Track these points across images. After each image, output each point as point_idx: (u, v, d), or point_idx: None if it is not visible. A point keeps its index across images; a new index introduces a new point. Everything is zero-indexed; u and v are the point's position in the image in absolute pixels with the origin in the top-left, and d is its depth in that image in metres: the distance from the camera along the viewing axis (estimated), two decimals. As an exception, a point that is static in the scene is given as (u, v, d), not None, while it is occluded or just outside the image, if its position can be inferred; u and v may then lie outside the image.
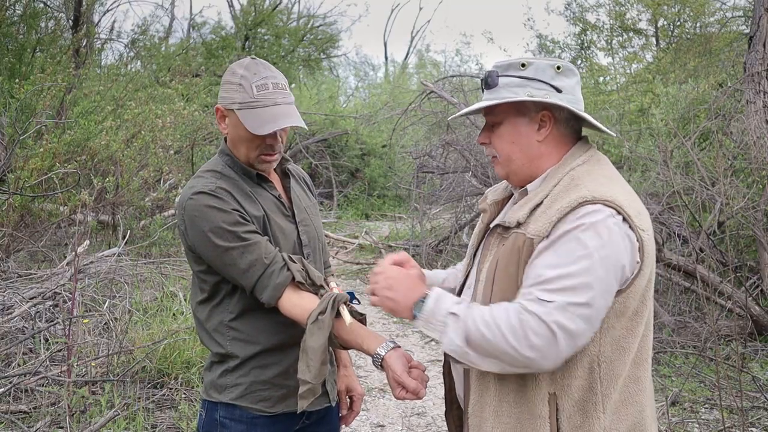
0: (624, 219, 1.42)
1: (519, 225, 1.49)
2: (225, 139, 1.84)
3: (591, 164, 1.54)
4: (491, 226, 1.64)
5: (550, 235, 1.42)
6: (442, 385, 1.77)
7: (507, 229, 1.52)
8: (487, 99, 1.57)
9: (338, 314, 1.66)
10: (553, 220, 1.42)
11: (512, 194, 1.73)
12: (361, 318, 1.70)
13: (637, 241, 1.43)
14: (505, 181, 1.73)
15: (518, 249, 1.45)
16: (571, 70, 1.56)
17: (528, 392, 1.45)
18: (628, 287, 1.43)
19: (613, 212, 1.41)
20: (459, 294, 1.70)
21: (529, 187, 1.57)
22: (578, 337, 1.36)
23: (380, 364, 1.59)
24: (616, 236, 1.39)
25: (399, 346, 1.62)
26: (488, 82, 1.56)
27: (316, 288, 1.72)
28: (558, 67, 1.53)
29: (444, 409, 1.76)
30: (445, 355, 1.75)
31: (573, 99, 1.54)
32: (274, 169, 1.91)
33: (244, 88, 1.70)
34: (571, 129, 1.58)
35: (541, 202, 1.49)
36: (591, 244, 1.37)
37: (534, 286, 1.38)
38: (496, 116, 1.58)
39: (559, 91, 1.52)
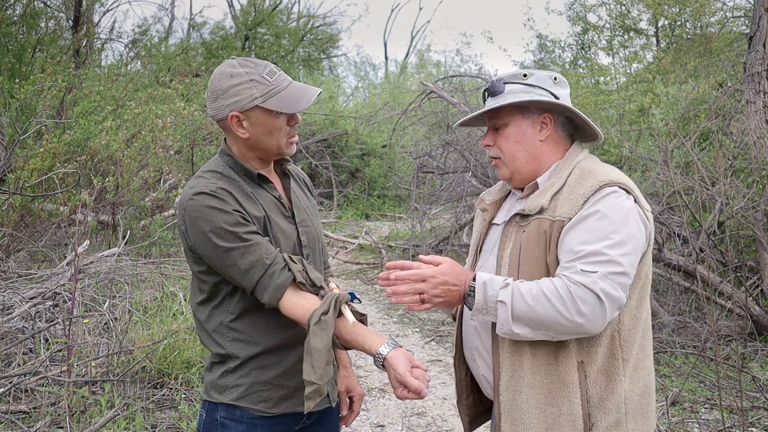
0: (634, 199, 1.63)
1: (542, 211, 1.64)
2: (225, 139, 1.84)
3: (590, 159, 1.76)
4: (493, 222, 1.83)
5: (577, 215, 1.58)
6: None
7: (525, 217, 1.68)
8: (493, 104, 1.73)
9: (340, 314, 1.66)
10: (579, 203, 1.60)
11: (508, 194, 1.89)
12: (362, 318, 1.70)
13: (644, 217, 1.63)
14: (500, 183, 1.92)
15: (544, 232, 1.61)
16: (564, 82, 1.76)
17: (560, 362, 1.60)
18: (642, 259, 1.62)
19: (626, 193, 1.61)
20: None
21: (539, 180, 1.74)
22: (619, 301, 1.52)
23: (382, 363, 1.59)
24: (633, 214, 1.59)
25: (400, 346, 1.62)
26: (493, 90, 1.73)
27: (316, 289, 1.71)
28: (555, 78, 1.74)
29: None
30: (456, 346, 1.86)
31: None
32: (274, 170, 1.90)
33: (258, 81, 1.71)
34: (566, 132, 1.79)
35: (559, 189, 1.66)
36: (617, 220, 1.56)
37: (576, 260, 1.53)
38: (501, 119, 1.75)
39: (556, 98, 1.72)
